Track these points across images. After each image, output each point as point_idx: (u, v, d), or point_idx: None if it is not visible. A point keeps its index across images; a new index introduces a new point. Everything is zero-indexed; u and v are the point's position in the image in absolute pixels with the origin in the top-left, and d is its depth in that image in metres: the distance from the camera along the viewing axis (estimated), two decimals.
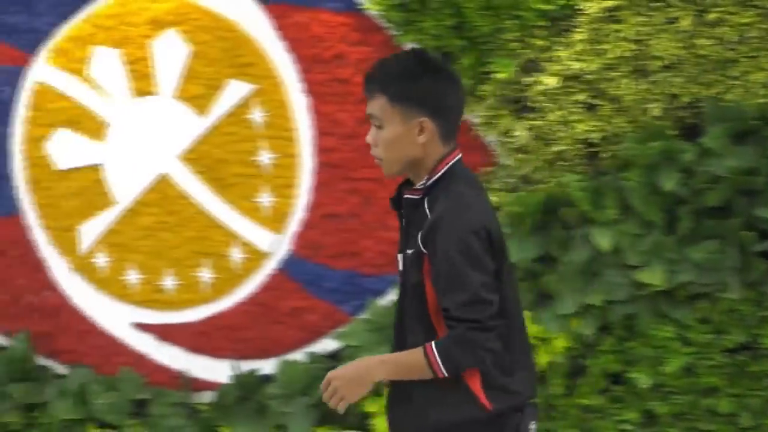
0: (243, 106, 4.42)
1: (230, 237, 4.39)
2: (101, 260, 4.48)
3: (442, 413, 2.69)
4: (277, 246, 4.38)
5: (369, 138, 2.75)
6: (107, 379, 4.48)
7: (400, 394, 2.75)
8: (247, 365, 4.39)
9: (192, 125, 4.44)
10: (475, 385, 2.65)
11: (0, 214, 4.68)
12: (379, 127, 2.74)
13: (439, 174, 2.69)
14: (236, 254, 4.38)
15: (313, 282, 4.38)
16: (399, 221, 2.79)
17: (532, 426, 2.73)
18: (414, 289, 2.71)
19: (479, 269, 2.63)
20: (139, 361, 4.49)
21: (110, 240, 4.51)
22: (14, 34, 4.59)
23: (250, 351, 4.43)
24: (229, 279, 4.40)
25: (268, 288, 4.39)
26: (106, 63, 4.51)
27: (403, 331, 2.78)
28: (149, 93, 4.50)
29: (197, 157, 4.43)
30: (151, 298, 4.49)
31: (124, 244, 4.49)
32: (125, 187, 4.51)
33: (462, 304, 2.58)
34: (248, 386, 4.35)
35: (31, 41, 4.59)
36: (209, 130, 4.47)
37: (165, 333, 4.47)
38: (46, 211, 4.60)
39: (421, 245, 2.65)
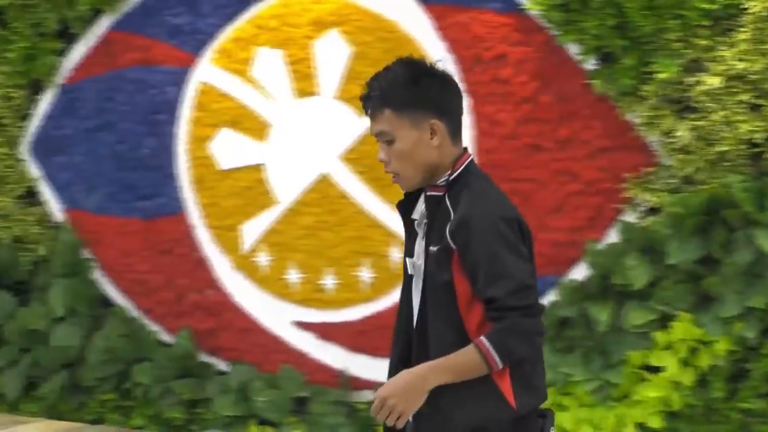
0: None
1: (389, 237, 4.62)
2: (263, 259, 4.87)
3: (467, 414, 2.84)
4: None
5: (381, 156, 2.87)
6: (268, 376, 4.86)
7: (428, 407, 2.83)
8: None
9: (352, 126, 4.67)
10: (504, 383, 2.82)
11: (166, 212, 5.07)
12: (391, 142, 2.89)
13: (459, 171, 2.87)
14: (395, 254, 4.62)
15: None
16: (404, 226, 2.95)
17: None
18: (442, 286, 2.86)
19: (520, 256, 2.80)
20: (300, 359, 4.83)
21: (272, 239, 4.85)
22: (179, 35, 4.99)
23: None
24: (387, 279, 4.63)
25: None
26: (269, 64, 4.80)
27: (424, 332, 2.92)
28: (311, 93, 4.76)
29: (357, 157, 4.67)
30: (311, 297, 4.80)
31: (285, 243, 4.82)
32: (286, 186, 4.83)
33: (512, 293, 2.75)
34: None
35: (195, 43, 4.97)
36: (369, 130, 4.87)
37: (325, 332, 4.79)
38: (210, 210, 5.00)
39: (449, 240, 2.82)
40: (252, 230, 4.90)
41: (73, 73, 5.26)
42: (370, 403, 2.84)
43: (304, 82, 4.77)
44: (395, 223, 4.57)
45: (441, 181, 2.89)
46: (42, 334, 5.32)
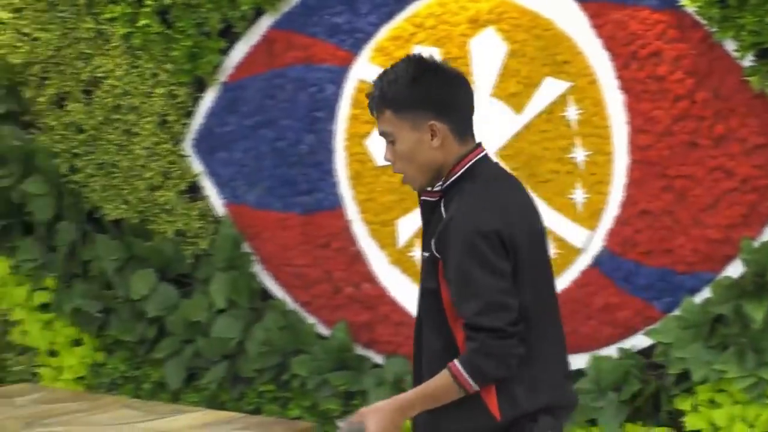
0: (558, 103, 4.69)
1: None
2: (418, 254, 4.79)
3: (452, 424, 2.87)
4: (590, 242, 4.68)
5: (386, 156, 2.93)
6: None
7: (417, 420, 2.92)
8: None
9: (508, 122, 4.78)
10: (488, 394, 2.82)
11: (324, 207, 5.25)
12: (393, 143, 2.90)
13: (457, 174, 2.87)
14: (550, 250, 4.84)
15: (626, 278, 4.62)
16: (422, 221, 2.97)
17: None
18: (430, 294, 2.89)
19: (492, 273, 2.77)
20: None
21: None
22: (339, 34, 5.15)
23: None
24: None
25: (580, 284, 4.67)
26: None
27: (419, 337, 2.97)
28: None
29: (512, 154, 4.77)
30: None
31: None
32: None
33: (478, 313, 2.75)
34: None
35: (354, 41, 5.13)
36: (525, 127, 4.77)
37: None
38: (366, 205, 5.17)
39: (434, 250, 2.84)
40: (408, 225, 5.04)
41: (235, 72, 5.46)
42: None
43: None
44: (549, 219, 4.55)
45: (437, 185, 2.91)
46: (203, 326, 5.53)
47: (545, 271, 3.01)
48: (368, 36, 5.13)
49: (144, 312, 5.70)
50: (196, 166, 5.65)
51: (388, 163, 2.96)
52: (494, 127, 4.82)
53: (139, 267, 5.72)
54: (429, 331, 2.95)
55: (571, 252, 4.72)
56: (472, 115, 2.98)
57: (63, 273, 5.96)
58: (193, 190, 5.68)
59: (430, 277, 2.91)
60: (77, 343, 6.02)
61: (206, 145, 5.59)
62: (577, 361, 4.69)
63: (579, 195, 4.70)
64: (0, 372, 6.15)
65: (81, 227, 5.91)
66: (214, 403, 5.56)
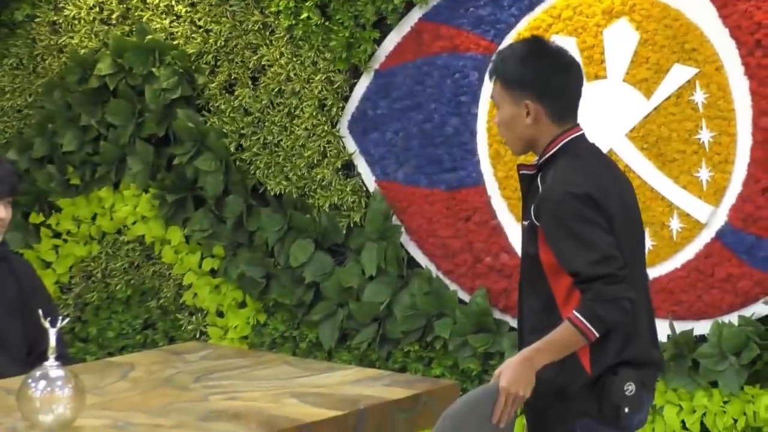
0: (686, 88, 4.65)
1: (670, 208, 4.70)
2: None
3: (549, 379, 2.90)
4: (713, 217, 4.63)
5: (495, 119, 3.04)
6: None
7: None
8: (682, 326, 4.67)
9: (638, 106, 4.77)
10: (582, 350, 2.88)
11: (467, 184, 5.30)
12: (498, 110, 3.01)
13: (552, 152, 2.95)
14: (675, 224, 4.71)
15: (747, 251, 4.56)
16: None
17: (630, 387, 2.93)
18: (530, 259, 2.96)
19: (594, 227, 2.84)
20: None
21: None
22: (482, 25, 5.19)
23: (685, 313, 4.68)
24: (667, 246, 4.71)
25: (704, 256, 4.64)
26: None
27: (521, 298, 3.03)
28: (600, 77, 4.87)
29: (642, 135, 4.76)
30: None
31: None
32: None
33: (593, 263, 2.80)
34: (683, 345, 4.62)
35: (496, 32, 5.16)
36: (654, 110, 4.74)
37: None
38: (505, 182, 5.19)
39: (533, 218, 2.91)
40: None
41: (387, 60, 5.55)
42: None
43: (594, 67, 4.90)
44: (675, 195, 4.72)
45: (535, 160, 3.01)
46: (355, 291, 5.62)
47: (638, 244, 3.05)
48: (509, 27, 5.16)
49: (302, 278, 5.79)
50: (351, 145, 5.74)
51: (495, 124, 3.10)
52: (626, 110, 4.83)
53: (298, 237, 5.82)
54: (529, 293, 3.04)
55: (696, 226, 4.70)
56: (576, 99, 3.05)
57: (230, 242, 6.11)
58: (348, 168, 5.77)
59: (529, 243, 2.99)
60: (242, 305, 6.16)
61: (360, 126, 5.68)
62: (701, 327, 4.70)
63: (704, 173, 4.67)
64: (173, 331, 6.37)
65: (247, 201, 6.04)
66: (363, 361, 5.66)
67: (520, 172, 3.09)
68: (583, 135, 3.07)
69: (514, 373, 2.84)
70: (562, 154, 2.99)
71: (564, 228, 2.86)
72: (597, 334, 2.83)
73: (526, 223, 3.01)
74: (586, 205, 2.86)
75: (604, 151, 4.74)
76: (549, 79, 3.00)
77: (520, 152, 3.11)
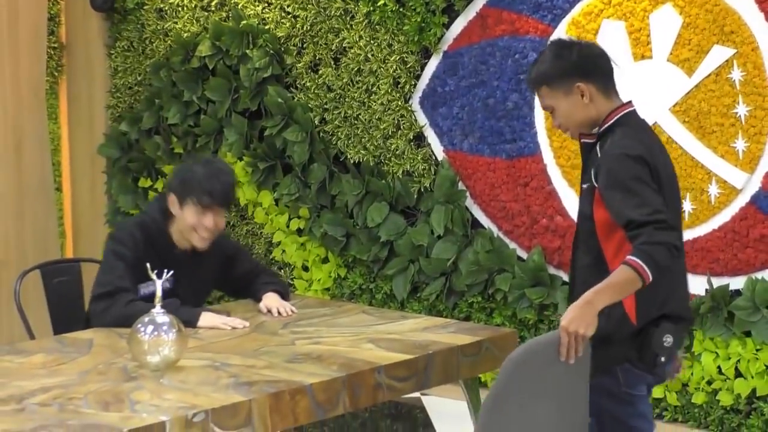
0: (724, 67, 4.60)
1: (709, 175, 4.67)
2: None
3: (598, 327, 2.79)
4: (748, 184, 4.58)
5: (554, 124, 3.03)
6: None
7: None
8: (718, 281, 4.67)
9: (681, 83, 4.73)
10: (629, 303, 2.84)
11: (525, 154, 5.28)
12: (553, 112, 2.98)
13: (610, 122, 2.93)
14: (713, 190, 4.67)
15: None
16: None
17: (668, 339, 2.90)
18: (586, 219, 2.94)
19: (648, 186, 2.81)
20: None
21: None
22: (540, 11, 5.16)
23: (722, 270, 4.66)
24: (706, 210, 4.69)
25: (739, 218, 4.60)
26: (612, 33, 4.89)
27: (576, 254, 3.01)
28: (646, 57, 4.82)
29: (684, 109, 4.72)
30: None
31: None
32: None
33: (642, 213, 2.77)
34: (720, 298, 4.61)
35: (553, 16, 5.13)
36: (695, 87, 4.69)
37: None
38: (559, 152, 5.17)
39: (593, 179, 2.89)
40: None
41: (454, 42, 5.53)
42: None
43: (640, 48, 4.86)
44: (714, 164, 4.67)
45: (594, 130, 2.99)
46: (425, 249, 5.63)
47: (677, 211, 3.02)
48: (564, 12, 5.12)
49: (378, 237, 5.82)
50: (422, 119, 5.72)
51: (556, 128, 3.07)
52: (669, 87, 4.80)
53: (374, 200, 5.84)
54: (582, 250, 3.03)
55: (732, 192, 4.66)
56: (612, 74, 3.03)
57: (314, 205, 6.14)
58: (419, 139, 5.76)
59: (586, 204, 2.98)
60: (325, 260, 6.20)
61: (430, 102, 5.67)
62: (736, 282, 4.67)
63: (740, 144, 4.62)
64: None
65: (329, 168, 6.07)
66: (432, 311, 5.69)
67: (582, 140, 3.08)
68: (635, 111, 3.07)
69: (574, 313, 2.77)
70: (618, 125, 2.99)
71: (619, 184, 2.83)
72: (650, 276, 2.75)
73: (585, 186, 3.01)
74: (640, 165, 2.84)
75: (650, 124, 4.72)
76: (584, 61, 3.04)
77: (587, 130, 3.08)
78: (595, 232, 2.96)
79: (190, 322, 3.58)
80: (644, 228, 2.78)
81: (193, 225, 3.78)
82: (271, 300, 3.95)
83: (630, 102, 3.04)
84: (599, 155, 2.95)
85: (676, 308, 2.99)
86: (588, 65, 3.02)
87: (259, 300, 3.97)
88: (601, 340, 2.89)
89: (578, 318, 2.74)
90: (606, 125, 3.00)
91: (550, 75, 3.04)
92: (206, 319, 3.67)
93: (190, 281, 3.84)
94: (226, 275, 4.04)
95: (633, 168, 2.83)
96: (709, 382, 4.77)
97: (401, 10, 5.64)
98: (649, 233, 2.77)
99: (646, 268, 2.75)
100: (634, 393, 3.00)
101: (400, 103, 5.75)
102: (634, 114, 3.05)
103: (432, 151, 5.70)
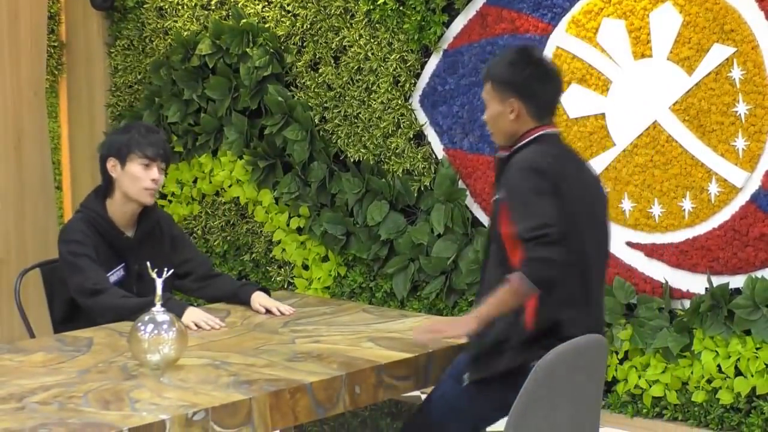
0: (724, 65, 4.57)
1: (708, 173, 4.64)
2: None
3: (495, 328, 2.92)
4: (748, 182, 4.55)
5: (484, 116, 3.10)
6: (605, 287, 4.77)
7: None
8: (718, 280, 4.62)
9: (680, 81, 4.70)
10: (528, 307, 2.87)
11: None
12: (486, 107, 3.06)
13: (527, 139, 2.98)
14: (713, 188, 4.64)
15: None
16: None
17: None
18: (494, 230, 3.00)
19: (541, 197, 2.85)
20: (630, 272, 4.89)
21: (610, 175, 4.92)
22: (540, 9, 5.14)
23: (722, 268, 4.62)
24: (705, 208, 4.66)
25: (739, 217, 4.57)
26: (612, 31, 4.88)
27: (484, 267, 3.07)
28: (646, 56, 4.80)
29: (684, 108, 4.69)
30: (641, 222, 4.84)
31: (621, 178, 4.88)
32: (623, 132, 4.89)
33: (531, 228, 2.81)
34: (720, 297, 4.57)
35: (553, 15, 5.10)
36: (695, 85, 4.66)
37: (652, 251, 4.83)
38: None
39: (498, 192, 2.96)
40: (594, 167, 4.80)
41: (454, 40, 5.50)
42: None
43: (640, 46, 4.83)
44: (713, 162, 4.65)
45: (512, 144, 3.05)
46: (425, 247, 5.61)
47: (594, 231, 3.04)
48: (564, 10, 5.10)
49: (378, 235, 5.80)
50: (422, 117, 5.70)
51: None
52: (669, 85, 4.78)
53: (374, 199, 5.82)
54: (493, 262, 3.07)
55: (732, 191, 4.65)
56: (553, 103, 3.11)
57: (314, 203, 6.13)
58: (419, 138, 5.74)
59: (495, 218, 3.04)
60: (324, 259, 6.18)
61: (430, 100, 5.65)
62: (736, 281, 4.65)
63: (740, 142, 4.60)
64: (264, 281, 6.40)
65: (329, 166, 6.05)
66: (432, 310, 5.66)
67: (496, 154, 3.15)
68: (557, 134, 3.11)
69: (458, 321, 2.98)
70: (533, 142, 3.05)
71: (515, 196, 2.90)
72: (532, 288, 2.83)
73: (494, 198, 3.07)
74: (538, 177, 2.89)
75: (649, 122, 4.81)
76: (531, 83, 3.08)
77: (503, 143, 3.16)
78: (502, 245, 3.00)
79: (176, 316, 3.58)
80: (527, 243, 2.83)
81: (140, 178, 3.91)
82: (265, 300, 3.95)
83: (554, 124, 3.10)
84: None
85: (580, 317, 2.99)
86: (530, 88, 3.07)
87: (245, 302, 3.97)
88: (500, 345, 2.95)
89: (456, 322, 2.98)
90: (522, 142, 3.05)
91: (495, 77, 3.12)
92: (191, 314, 3.69)
93: (142, 266, 3.85)
94: (172, 259, 4.05)
95: (529, 180, 2.88)
96: (709, 381, 4.76)
97: (401, 8, 5.63)
98: (531, 248, 2.82)
99: (523, 283, 2.82)
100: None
101: (400, 101, 5.74)
102: (554, 135, 3.09)
103: (432, 149, 5.67)
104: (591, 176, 3.18)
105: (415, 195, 5.73)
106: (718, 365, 4.69)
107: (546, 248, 2.80)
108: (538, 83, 3.09)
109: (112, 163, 3.98)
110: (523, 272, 2.83)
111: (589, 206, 3.07)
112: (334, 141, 6.04)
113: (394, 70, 5.74)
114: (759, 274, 4.57)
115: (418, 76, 5.69)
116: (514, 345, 2.97)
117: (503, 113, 3.08)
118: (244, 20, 6.30)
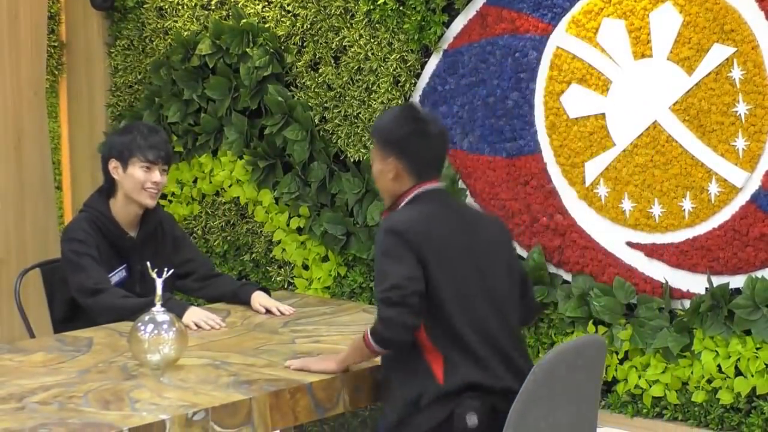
0: (724, 65, 4.55)
1: (708, 174, 4.63)
2: (602, 191, 4.95)
3: (406, 387, 2.95)
4: (748, 182, 4.53)
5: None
6: (604, 286, 4.92)
7: (384, 385, 3.07)
8: (718, 280, 4.58)
9: (680, 81, 4.69)
10: (436, 364, 2.89)
11: (525, 152, 5.24)
12: (371, 163, 3.08)
13: (405, 200, 3.02)
14: (713, 188, 4.63)
15: None
16: None
17: (472, 418, 2.89)
18: None
19: (399, 264, 2.89)
20: (630, 272, 4.87)
21: (609, 175, 4.92)
22: (540, 9, 5.13)
23: (722, 268, 4.61)
24: (706, 208, 4.65)
25: (739, 217, 4.55)
26: (612, 31, 4.87)
27: None
28: (646, 56, 4.79)
29: (684, 108, 4.68)
30: (641, 222, 4.83)
31: (621, 178, 4.87)
32: (623, 132, 4.88)
33: (381, 289, 2.90)
34: (720, 297, 4.53)
35: (553, 15, 5.10)
36: (695, 85, 4.64)
37: (652, 251, 4.81)
38: (560, 150, 5.13)
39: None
40: (594, 167, 5.02)
41: (455, 40, 5.50)
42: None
43: (640, 46, 4.83)
44: (714, 163, 4.63)
45: (392, 205, 3.08)
46: None
47: (485, 283, 3.02)
48: (565, 10, 5.10)
49: None
50: None
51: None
52: (669, 86, 4.78)
53: (374, 199, 5.80)
54: None
55: (732, 190, 4.63)
56: (436, 160, 3.10)
57: (314, 203, 6.14)
58: None
59: None
60: (325, 259, 6.19)
61: (430, 100, 5.63)
62: (736, 281, 4.63)
63: (740, 143, 4.59)
64: (264, 282, 6.39)
65: (329, 167, 6.06)
66: None
67: (382, 218, 3.16)
68: (438, 189, 3.08)
69: (324, 362, 3.04)
70: (410, 202, 3.06)
71: (376, 257, 2.96)
72: (377, 348, 2.92)
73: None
74: (394, 238, 2.91)
75: (650, 122, 4.80)
76: (411, 142, 3.06)
77: (389, 203, 3.15)
78: None
79: (177, 316, 3.59)
80: (378, 303, 2.90)
81: (141, 181, 3.91)
82: (265, 299, 3.96)
83: (436, 179, 3.08)
84: None
85: (478, 378, 2.97)
86: (409, 147, 3.06)
87: (245, 301, 3.98)
88: (413, 405, 2.93)
89: (321, 362, 3.03)
90: (401, 203, 3.06)
91: (377, 135, 3.13)
92: (191, 314, 3.70)
93: (144, 266, 3.85)
94: (174, 259, 4.06)
95: (384, 242, 2.92)
96: (709, 381, 4.75)
97: (401, 8, 5.63)
98: (380, 309, 2.89)
99: (371, 341, 2.93)
100: None
101: (400, 101, 5.71)
102: (435, 191, 3.07)
103: None
104: (479, 226, 3.12)
105: None
106: (718, 365, 4.69)
107: (391, 309, 2.85)
108: (418, 140, 3.08)
109: (113, 165, 3.99)
110: (370, 331, 2.94)
111: (473, 260, 3.03)
112: (334, 141, 6.04)
113: (394, 70, 5.73)
114: (759, 274, 4.53)
115: (418, 76, 5.68)
116: (431, 400, 2.97)
117: (383, 172, 3.11)
118: (244, 20, 6.30)
